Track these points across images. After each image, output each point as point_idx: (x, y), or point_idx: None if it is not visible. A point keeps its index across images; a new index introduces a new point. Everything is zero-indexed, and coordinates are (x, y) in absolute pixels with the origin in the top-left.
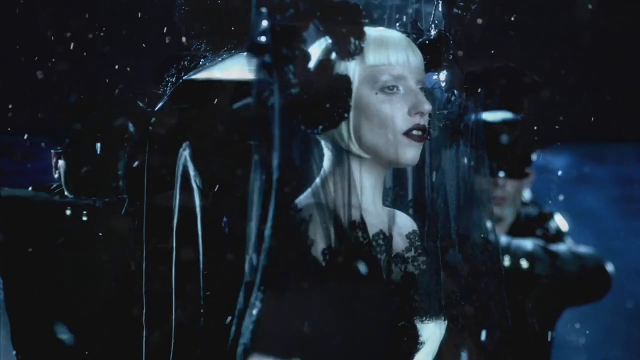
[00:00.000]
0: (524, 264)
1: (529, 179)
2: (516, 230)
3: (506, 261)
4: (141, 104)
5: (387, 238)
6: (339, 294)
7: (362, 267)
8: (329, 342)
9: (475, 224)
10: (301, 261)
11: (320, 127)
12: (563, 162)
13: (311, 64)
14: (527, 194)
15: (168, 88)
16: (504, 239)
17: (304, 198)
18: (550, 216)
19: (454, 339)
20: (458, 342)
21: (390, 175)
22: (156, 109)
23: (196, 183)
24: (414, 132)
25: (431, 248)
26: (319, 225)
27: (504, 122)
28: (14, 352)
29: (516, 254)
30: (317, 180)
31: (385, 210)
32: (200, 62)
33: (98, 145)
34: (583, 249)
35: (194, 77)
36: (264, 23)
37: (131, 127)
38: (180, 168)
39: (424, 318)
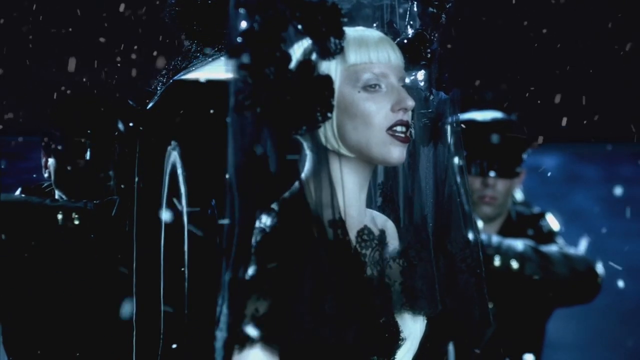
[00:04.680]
0: (515, 264)
1: (520, 179)
2: (507, 229)
3: (497, 261)
4: (132, 103)
5: (369, 236)
6: (319, 291)
7: (342, 265)
8: (310, 339)
9: (455, 222)
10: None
11: (304, 127)
12: (553, 161)
13: (292, 65)
14: (518, 194)
15: (159, 88)
16: (495, 239)
17: (283, 199)
18: (541, 216)
19: (434, 336)
20: (438, 340)
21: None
22: (147, 108)
23: (185, 182)
24: (398, 128)
25: (410, 246)
26: (296, 224)
27: (495, 122)
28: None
29: (507, 254)
30: (297, 181)
31: (367, 210)
32: (192, 63)
33: (88, 144)
34: (573, 250)
35: (184, 77)
36: (243, 24)
37: (121, 126)
38: (169, 167)
39: (405, 314)
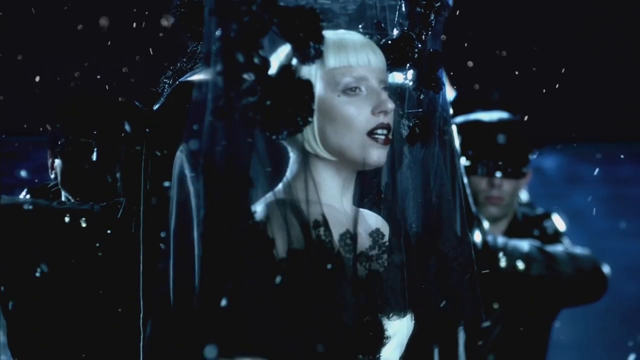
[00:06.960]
0: (520, 265)
1: (526, 179)
2: (513, 230)
3: (502, 262)
4: (138, 104)
5: (353, 237)
6: (303, 291)
7: (325, 265)
8: (295, 339)
9: (446, 221)
10: (263, 261)
11: (285, 132)
12: (553, 161)
13: (272, 71)
14: (523, 194)
15: (165, 90)
16: (500, 240)
17: (263, 200)
18: (546, 216)
19: (424, 335)
20: (428, 338)
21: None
22: (153, 110)
23: (193, 185)
24: (379, 131)
25: (395, 246)
26: (279, 224)
27: (501, 122)
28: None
29: (513, 255)
30: (281, 183)
31: (353, 210)
32: (197, 64)
33: (94, 145)
34: (579, 250)
35: (190, 79)
36: (219, 32)
37: (128, 127)
38: (177, 170)
39: (389, 314)
